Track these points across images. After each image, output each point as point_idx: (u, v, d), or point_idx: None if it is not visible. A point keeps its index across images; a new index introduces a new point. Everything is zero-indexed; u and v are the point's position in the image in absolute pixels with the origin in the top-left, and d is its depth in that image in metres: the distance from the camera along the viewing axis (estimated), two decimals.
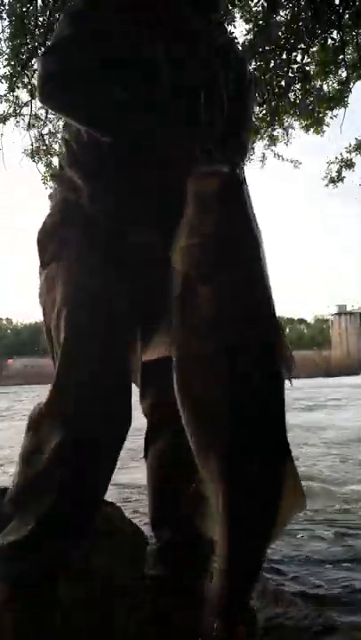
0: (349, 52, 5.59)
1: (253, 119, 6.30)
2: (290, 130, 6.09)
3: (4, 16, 5.35)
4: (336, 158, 6.17)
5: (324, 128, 5.87)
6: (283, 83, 5.59)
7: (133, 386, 1.33)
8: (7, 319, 56.93)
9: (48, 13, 5.10)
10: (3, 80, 5.41)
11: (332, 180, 6.25)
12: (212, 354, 1.00)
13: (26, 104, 5.86)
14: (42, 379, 10.83)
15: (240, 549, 0.99)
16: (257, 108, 5.88)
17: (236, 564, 1.00)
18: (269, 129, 6.05)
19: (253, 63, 5.57)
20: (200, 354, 1.01)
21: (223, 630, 1.01)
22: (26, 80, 5.47)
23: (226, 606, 1.03)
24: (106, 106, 1.26)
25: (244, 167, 1.15)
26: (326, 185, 6.29)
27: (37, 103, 5.53)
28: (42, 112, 5.87)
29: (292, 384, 1.00)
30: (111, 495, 1.53)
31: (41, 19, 5.22)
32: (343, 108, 5.78)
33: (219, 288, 1.01)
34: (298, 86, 5.71)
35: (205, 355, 1.00)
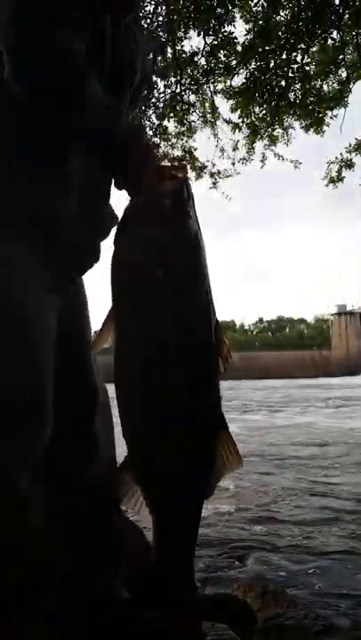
0: (349, 52, 5.60)
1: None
2: (290, 130, 6.10)
3: None
4: (336, 158, 6.18)
5: (324, 128, 5.87)
6: (283, 83, 5.59)
7: None
8: None
9: None
10: None
11: (332, 180, 6.26)
12: (162, 343, 1.05)
13: None
14: None
15: (178, 512, 1.09)
16: (257, 108, 5.90)
17: (174, 527, 1.09)
18: (269, 129, 6.05)
19: (253, 63, 5.58)
20: (147, 342, 1.06)
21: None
22: None
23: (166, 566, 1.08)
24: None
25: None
26: (326, 185, 6.29)
27: None
28: None
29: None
30: None
31: None
32: (343, 108, 5.79)
33: (174, 282, 1.05)
34: (298, 86, 5.71)
35: (155, 342, 1.05)
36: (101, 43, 1.11)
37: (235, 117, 6.05)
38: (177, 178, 1.07)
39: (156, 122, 6.38)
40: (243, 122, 6.01)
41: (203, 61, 5.73)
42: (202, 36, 5.33)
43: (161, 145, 6.59)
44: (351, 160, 6.12)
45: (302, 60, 5.54)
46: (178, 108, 6.23)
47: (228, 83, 5.92)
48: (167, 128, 6.47)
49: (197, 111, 6.37)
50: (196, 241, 1.08)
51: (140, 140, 1.14)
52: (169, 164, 1.13)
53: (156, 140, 6.52)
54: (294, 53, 5.49)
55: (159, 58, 5.32)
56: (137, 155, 1.09)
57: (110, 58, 1.13)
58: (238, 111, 5.90)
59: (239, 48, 5.47)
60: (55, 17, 0.98)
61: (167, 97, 6.23)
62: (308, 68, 5.65)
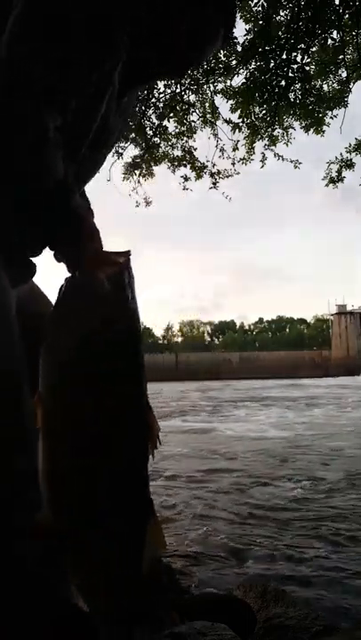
0: (349, 52, 5.60)
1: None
2: (290, 130, 6.09)
3: None
4: (336, 158, 6.18)
5: (324, 128, 5.87)
6: (283, 83, 5.58)
7: None
8: None
9: None
10: None
11: (332, 180, 6.26)
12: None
13: None
14: None
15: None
16: (257, 108, 5.90)
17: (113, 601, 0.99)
18: (269, 129, 6.06)
19: (253, 63, 5.58)
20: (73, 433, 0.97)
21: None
22: None
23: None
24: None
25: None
26: (326, 185, 6.30)
27: None
28: None
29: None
30: None
31: None
32: (343, 108, 5.80)
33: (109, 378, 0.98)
34: (298, 86, 5.71)
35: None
36: (100, 98, 1.07)
37: (235, 117, 6.06)
38: (118, 263, 1.03)
39: (156, 122, 6.39)
40: (243, 122, 6.01)
41: None
42: None
43: (161, 145, 6.60)
44: (351, 160, 6.13)
45: (302, 60, 5.54)
46: (178, 108, 6.23)
47: (228, 83, 5.94)
48: (167, 128, 6.49)
49: (197, 111, 6.38)
50: (134, 331, 1.04)
51: (88, 220, 1.10)
52: (111, 250, 1.06)
53: (156, 139, 6.54)
54: (294, 53, 5.48)
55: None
56: (84, 235, 1.06)
57: (102, 118, 1.11)
58: (238, 111, 5.90)
59: (239, 48, 5.48)
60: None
61: (167, 97, 6.24)
62: (308, 68, 5.64)
